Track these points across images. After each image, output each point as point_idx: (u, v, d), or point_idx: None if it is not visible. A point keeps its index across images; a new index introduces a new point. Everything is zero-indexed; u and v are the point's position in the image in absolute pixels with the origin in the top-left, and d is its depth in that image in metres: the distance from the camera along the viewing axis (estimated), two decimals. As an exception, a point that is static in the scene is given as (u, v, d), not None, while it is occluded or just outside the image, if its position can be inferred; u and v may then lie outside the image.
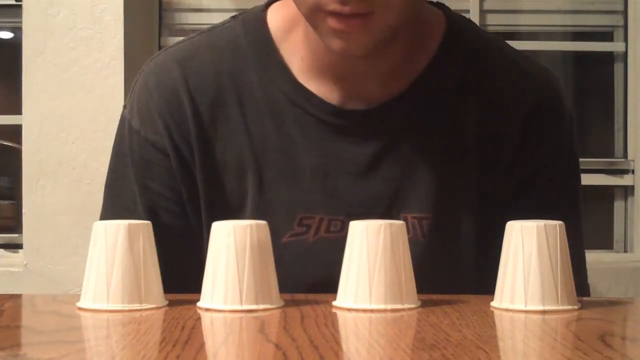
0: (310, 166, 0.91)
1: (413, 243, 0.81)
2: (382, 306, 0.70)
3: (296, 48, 0.93)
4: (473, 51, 0.96)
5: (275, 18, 0.94)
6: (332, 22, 0.81)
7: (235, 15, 0.98)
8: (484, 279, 0.88)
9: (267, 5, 0.96)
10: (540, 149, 0.95)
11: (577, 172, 1.00)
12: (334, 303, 0.72)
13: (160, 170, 0.94)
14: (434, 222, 0.92)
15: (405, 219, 0.91)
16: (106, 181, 0.99)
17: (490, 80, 0.95)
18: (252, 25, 0.95)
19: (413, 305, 0.71)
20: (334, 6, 0.79)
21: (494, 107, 0.94)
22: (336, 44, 0.82)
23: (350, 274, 0.71)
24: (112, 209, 0.98)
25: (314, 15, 0.82)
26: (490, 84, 0.95)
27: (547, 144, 0.95)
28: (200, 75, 0.93)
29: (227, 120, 0.93)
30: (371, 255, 0.70)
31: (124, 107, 0.98)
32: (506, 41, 1.01)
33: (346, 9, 0.79)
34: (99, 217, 0.98)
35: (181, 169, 0.93)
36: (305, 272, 0.91)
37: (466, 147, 0.93)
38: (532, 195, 0.95)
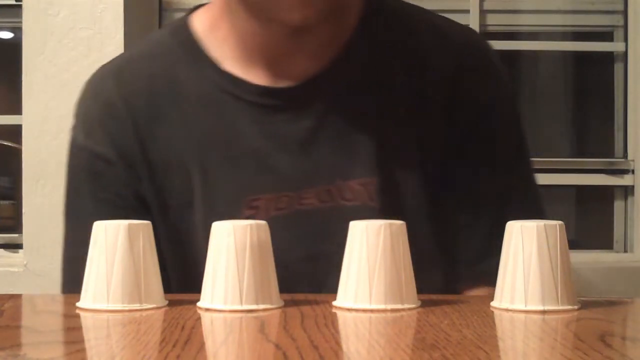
0: (250, 149, 0.95)
1: (364, 209, 0.91)
2: (382, 306, 0.70)
3: (222, 43, 0.97)
4: (393, 18, 0.99)
5: (200, 19, 1.00)
6: None
7: (164, 25, 1.03)
8: (444, 241, 0.95)
9: (190, 12, 1.02)
10: (472, 104, 0.97)
11: (517, 124, 1.02)
12: (334, 303, 0.72)
13: (110, 180, 0.97)
14: (379, 185, 0.94)
15: (351, 187, 0.94)
16: (64, 203, 1.02)
17: (414, 45, 0.98)
18: (179, 30, 1.00)
19: (413, 305, 0.71)
20: None
21: (421, 70, 0.97)
22: (296, 15, 0.87)
23: (350, 274, 0.71)
24: (72, 228, 1.01)
25: None
26: (414, 48, 0.98)
27: (478, 100, 0.98)
28: (134, 81, 0.99)
29: (165, 120, 0.96)
30: (371, 255, 0.70)
31: (71, 129, 1.02)
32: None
33: None
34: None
35: (130, 175, 0.97)
36: None
37: (399, 111, 0.96)
38: (472, 148, 0.98)
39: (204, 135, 0.95)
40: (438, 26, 1.00)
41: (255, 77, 0.96)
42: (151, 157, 0.96)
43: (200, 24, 0.99)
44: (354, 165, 0.94)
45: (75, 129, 1.01)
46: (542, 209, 1.02)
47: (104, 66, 1.03)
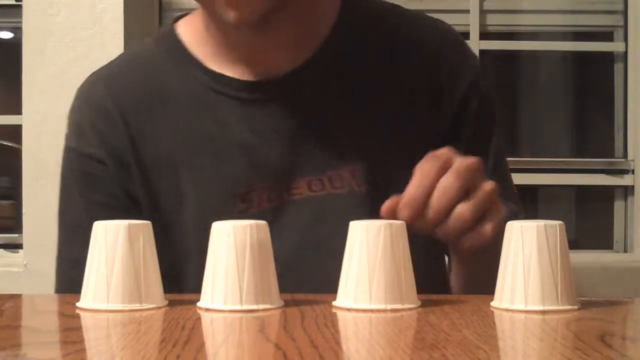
0: (239, 144, 0.97)
1: (351, 196, 0.95)
2: (382, 306, 0.70)
3: (205, 44, 1.01)
4: (371, 14, 1.03)
5: (183, 26, 1.05)
6: None
7: (150, 35, 1.09)
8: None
9: (175, 21, 1.07)
10: (454, 93, 1.01)
11: (494, 105, 1.06)
12: (334, 303, 0.73)
13: (102, 181, 0.99)
14: (366, 171, 0.97)
15: (339, 176, 0.97)
16: (58, 206, 1.05)
17: (392, 38, 1.02)
18: (165, 38, 1.05)
19: (413, 305, 0.71)
20: None
21: (401, 60, 1.01)
22: (231, 14, 0.90)
23: (350, 274, 0.71)
24: (66, 231, 1.04)
25: None
26: (392, 40, 1.02)
27: (461, 84, 1.01)
28: (123, 85, 1.02)
29: (154, 120, 0.99)
30: (371, 255, 0.70)
31: (65, 136, 1.05)
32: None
33: None
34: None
35: (122, 175, 0.99)
36: None
37: (382, 99, 0.99)
38: (461, 133, 1.01)
39: (193, 132, 0.98)
40: (413, 18, 1.05)
41: (240, 73, 0.99)
42: (142, 156, 0.98)
43: (184, 30, 1.04)
44: (341, 154, 0.97)
45: (68, 134, 1.04)
46: (510, 180, 1.07)
47: (93, 73, 1.07)
